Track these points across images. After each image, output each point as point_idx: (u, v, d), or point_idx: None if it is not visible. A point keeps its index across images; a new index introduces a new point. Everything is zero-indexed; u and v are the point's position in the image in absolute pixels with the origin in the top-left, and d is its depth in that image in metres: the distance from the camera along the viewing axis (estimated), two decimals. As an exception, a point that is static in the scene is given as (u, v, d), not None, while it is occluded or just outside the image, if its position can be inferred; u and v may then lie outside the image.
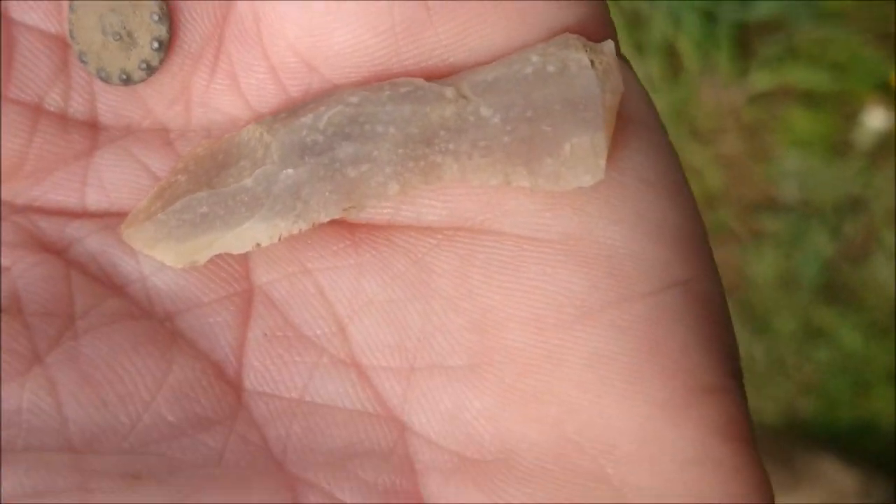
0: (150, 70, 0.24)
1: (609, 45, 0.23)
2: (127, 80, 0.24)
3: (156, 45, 0.24)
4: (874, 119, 0.87)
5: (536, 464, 0.23)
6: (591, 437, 0.23)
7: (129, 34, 0.24)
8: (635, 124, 0.23)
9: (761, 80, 0.91)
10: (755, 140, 0.92)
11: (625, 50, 0.92)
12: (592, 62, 0.22)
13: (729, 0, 0.89)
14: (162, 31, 0.24)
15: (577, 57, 0.22)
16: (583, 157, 0.22)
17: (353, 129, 0.22)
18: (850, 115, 0.90)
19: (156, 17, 0.24)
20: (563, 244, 0.23)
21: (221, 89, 0.25)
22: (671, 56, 0.93)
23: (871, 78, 0.89)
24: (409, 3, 0.23)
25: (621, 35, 0.90)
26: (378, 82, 0.23)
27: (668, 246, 0.23)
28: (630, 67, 0.25)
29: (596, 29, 0.24)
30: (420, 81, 0.23)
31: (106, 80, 0.24)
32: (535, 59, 0.22)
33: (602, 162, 0.22)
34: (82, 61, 0.24)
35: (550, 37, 0.23)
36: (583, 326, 0.22)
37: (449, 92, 0.22)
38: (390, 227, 0.24)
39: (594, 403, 0.22)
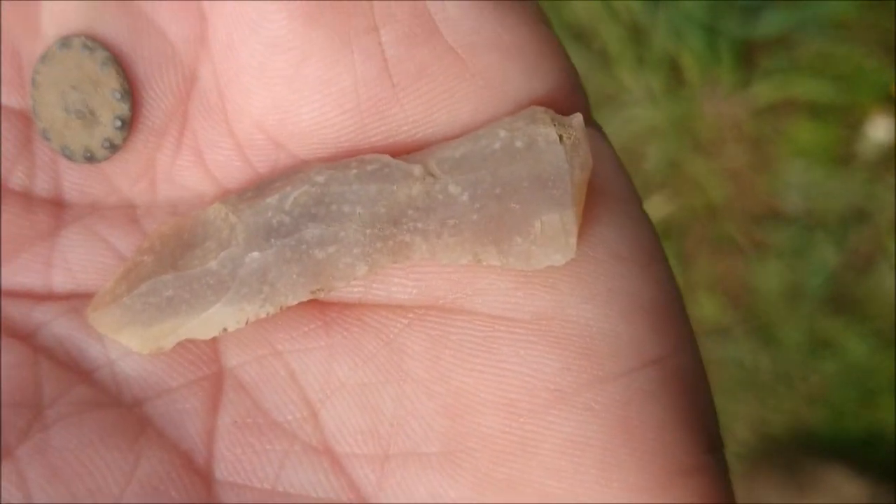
0: (114, 148, 0.24)
1: (577, 118, 0.22)
2: (91, 158, 0.24)
3: (118, 123, 0.24)
4: (878, 130, 0.87)
5: None
6: None
7: (92, 112, 0.24)
8: (607, 196, 0.23)
9: (764, 92, 0.91)
10: (758, 152, 0.91)
11: (626, 62, 0.92)
12: (561, 137, 0.22)
13: (731, 15, 0.88)
14: (124, 109, 0.24)
15: (545, 132, 0.22)
16: (553, 236, 0.22)
17: (320, 210, 0.22)
18: (854, 127, 0.89)
19: (117, 96, 0.24)
20: (536, 324, 0.22)
21: (187, 165, 0.24)
22: (673, 69, 0.92)
23: (874, 89, 0.88)
24: (375, 79, 0.22)
25: (623, 48, 0.89)
26: (345, 159, 0.23)
27: (642, 323, 0.23)
28: (603, 136, 0.24)
29: (565, 99, 0.23)
30: (387, 158, 0.22)
31: (70, 157, 0.24)
32: (502, 134, 0.22)
33: (573, 240, 0.22)
34: (46, 138, 0.24)
35: (518, 109, 0.23)
36: (556, 411, 0.22)
37: (416, 170, 0.22)
38: (361, 305, 0.23)
39: (569, 492, 0.22)
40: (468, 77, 0.22)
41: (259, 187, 0.23)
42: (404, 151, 0.23)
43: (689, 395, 0.23)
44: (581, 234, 0.22)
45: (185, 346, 0.23)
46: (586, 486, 0.22)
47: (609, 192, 0.23)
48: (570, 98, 0.24)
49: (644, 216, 0.24)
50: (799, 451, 0.92)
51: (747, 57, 0.91)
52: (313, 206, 0.22)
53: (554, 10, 0.92)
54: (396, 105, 0.23)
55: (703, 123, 0.92)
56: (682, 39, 0.91)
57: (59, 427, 0.22)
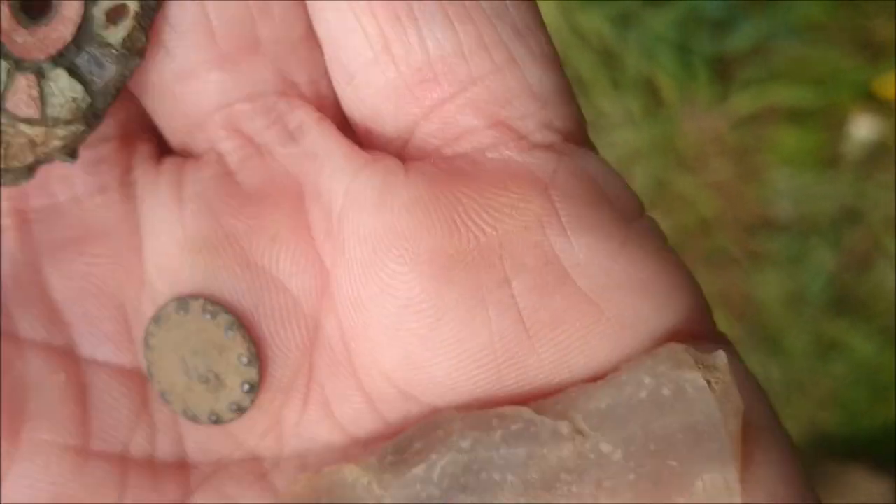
0: (241, 411, 0.23)
1: (721, 357, 0.21)
2: (216, 421, 0.23)
3: (246, 387, 0.23)
4: (861, 129, 0.86)
5: None
6: None
7: (217, 377, 0.23)
8: (756, 430, 0.22)
9: (743, 102, 0.90)
10: (744, 163, 0.91)
11: (601, 87, 0.91)
12: (709, 382, 0.21)
13: (702, 31, 0.87)
14: (252, 373, 0.23)
15: (692, 378, 0.21)
16: (716, 495, 0.20)
17: (469, 479, 0.21)
18: (837, 128, 0.89)
19: (245, 360, 0.23)
20: None
21: (315, 419, 0.23)
22: (649, 90, 0.91)
23: (853, 89, 0.88)
24: (510, 332, 0.22)
25: (596, 73, 0.88)
26: (483, 413, 0.22)
27: None
28: (737, 357, 0.23)
29: (698, 325, 0.22)
30: (529, 414, 0.21)
31: (193, 420, 0.23)
32: (647, 381, 0.21)
33: (737, 498, 0.20)
34: (166, 401, 0.23)
35: (654, 344, 0.22)
36: None
37: (564, 428, 0.21)
38: None
39: None
40: (602, 320, 0.22)
41: (398, 447, 0.22)
42: (540, 397, 0.22)
43: None
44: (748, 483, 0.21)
45: None
46: None
47: (757, 425, 0.22)
48: (701, 323, 0.23)
49: (793, 448, 0.23)
50: (818, 454, 0.92)
51: (722, 70, 0.90)
52: (462, 476, 0.21)
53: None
54: (533, 354, 0.22)
55: (686, 140, 0.91)
56: (655, 60, 0.90)
57: None
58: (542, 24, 0.22)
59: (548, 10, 0.90)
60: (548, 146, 0.22)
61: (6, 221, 0.23)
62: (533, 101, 0.22)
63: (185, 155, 0.24)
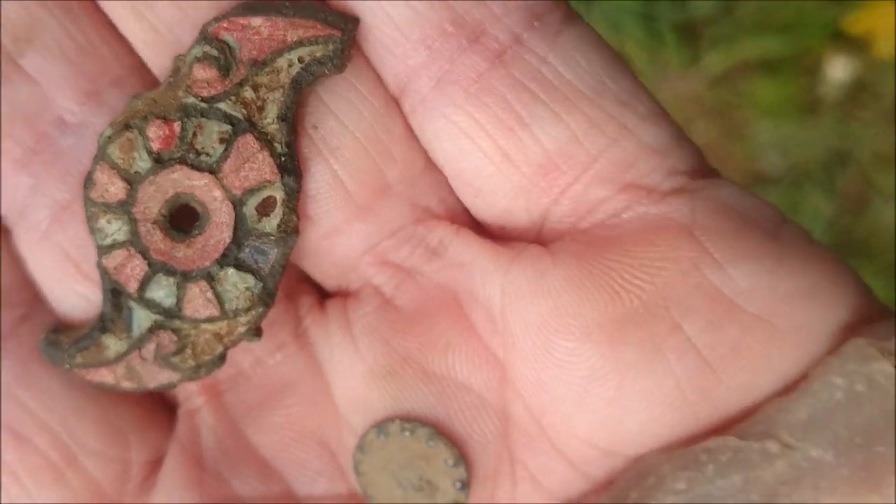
0: None
1: None
2: None
3: (459, 485, 0.24)
4: (836, 70, 0.86)
5: None
6: None
7: (430, 483, 0.24)
8: None
9: (714, 62, 0.89)
10: (725, 121, 0.90)
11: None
12: None
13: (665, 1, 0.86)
14: (461, 472, 0.24)
15: (880, 368, 0.21)
16: None
17: None
18: (812, 72, 0.89)
19: (451, 462, 0.24)
20: None
21: (527, 494, 0.24)
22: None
23: (822, 30, 0.88)
24: (694, 371, 0.22)
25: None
26: (689, 451, 0.22)
27: None
28: None
29: (867, 308, 0.23)
30: (734, 442, 0.22)
31: None
32: (839, 382, 0.22)
33: None
34: None
35: (836, 343, 0.22)
36: None
37: (772, 446, 0.21)
38: None
39: None
40: (779, 335, 0.22)
41: (615, 500, 0.22)
42: (737, 422, 0.23)
43: None
44: None
45: None
46: None
47: None
48: (869, 305, 0.23)
49: None
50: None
51: (689, 32, 0.89)
52: None
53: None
54: (721, 385, 0.23)
55: (665, 106, 0.90)
56: (622, 31, 0.89)
57: None
58: (640, 85, 0.24)
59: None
60: (679, 190, 0.23)
61: (199, 400, 0.25)
62: (653, 156, 0.23)
63: (344, 295, 0.25)
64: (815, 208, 0.90)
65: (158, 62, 0.23)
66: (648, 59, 0.90)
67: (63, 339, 0.24)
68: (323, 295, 0.26)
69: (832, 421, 0.21)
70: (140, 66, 0.23)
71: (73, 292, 0.24)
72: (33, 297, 0.25)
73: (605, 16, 0.89)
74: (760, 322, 0.22)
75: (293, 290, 0.26)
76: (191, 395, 0.25)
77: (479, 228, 0.25)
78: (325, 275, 0.25)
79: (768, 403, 0.22)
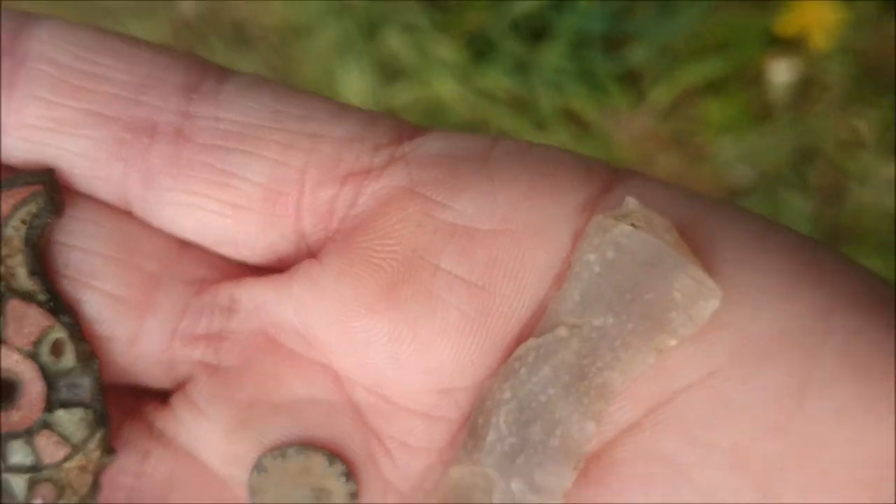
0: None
1: (630, 202, 0.24)
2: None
3: (343, 478, 0.27)
4: (779, 74, 0.88)
5: None
6: None
7: (322, 490, 0.27)
8: (710, 230, 0.25)
9: (660, 96, 0.91)
10: (685, 148, 0.92)
11: (527, 133, 0.92)
12: (633, 224, 0.24)
13: (597, 49, 0.89)
14: (342, 467, 0.27)
15: (619, 231, 0.24)
16: (696, 291, 0.24)
17: (527, 414, 0.24)
18: (757, 81, 0.90)
19: (327, 464, 0.27)
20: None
21: (406, 459, 0.27)
22: (571, 118, 0.92)
23: (757, 40, 0.90)
24: (466, 295, 0.25)
25: (516, 122, 0.89)
26: (505, 367, 0.25)
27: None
28: (650, 182, 0.26)
29: (594, 187, 0.25)
30: (533, 342, 0.24)
31: None
32: (592, 257, 0.24)
33: (710, 282, 0.23)
34: None
35: (579, 226, 0.25)
36: None
37: (562, 331, 0.24)
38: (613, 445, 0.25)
39: None
40: (523, 239, 0.25)
41: (469, 432, 0.25)
42: (531, 327, 0.25)
43: None
44: (714, 274, 0.24)
45: None
46: None
47: (695, 222, 0.25)
48: (597, 184, 0.26)
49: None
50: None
51: (630, 77, 0.92)
52: (521, 416, 0.24)
53: (440, 114, 0.91)
54: (497, 299, 0.25)
55: (625, 149, 0.92)
56: (565, 91, 0.91)
57: None
58: (315, 96, 0.27)
59: (451, 87, 0.92)
60: (390, 160, 0.26)
61: None
62: (353, 144, 0.26)
63: (181, 386, 0.28)
64: (795, 208, 0.91)
65: None
66: (597, 109, 0.92)
67: None
68: (166, 399, 0.28)
69: (600, 291, 0.24)
70: None
71: None
72: None
73: (544, 81, 0.92)
74: (501, 234, 0.25)
75: (134, 408, 0.28)
76: None
77: (259, 271, 0.27)
78: (155, 377, 0.28)
79: (550, 300, 0.25)
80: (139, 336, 0.27)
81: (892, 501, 0.23)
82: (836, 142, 0.90)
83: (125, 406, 0.28)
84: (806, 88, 0.91)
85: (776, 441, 0.24)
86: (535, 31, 0.91)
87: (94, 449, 0.26)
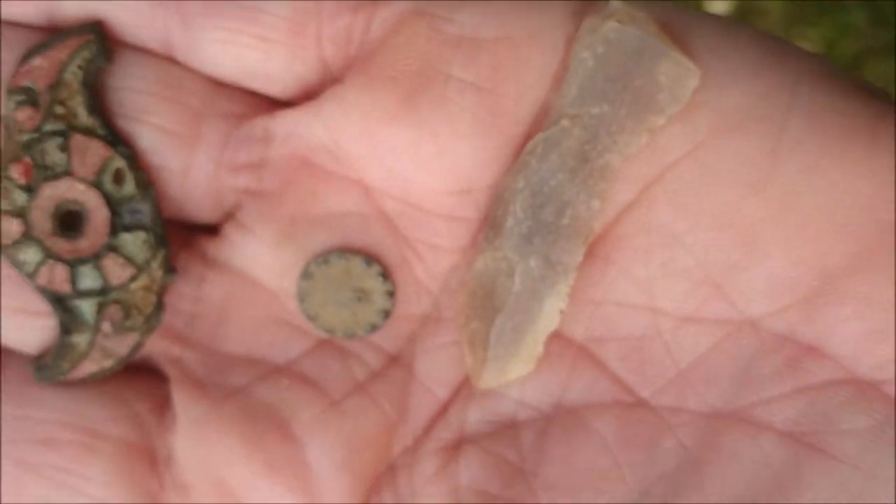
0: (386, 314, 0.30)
1: (614, 3, 0.27)
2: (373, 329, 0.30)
3: (381, 280, 0.30)
4: (717, 6, 0.91)
5: None
6: None
7: (362, 290, 0.30)
8: (687, 25, 0.28)
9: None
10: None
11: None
12: (619, 22, 0.27)
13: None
14: (378, 269, 0.30)
15: (606, 28, 0.27)
16: (678, 73, 0.27)
17: (537, 199, 0.28)
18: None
19: (365, 264, 0.30)
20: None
21: (436, 258, 0.30)
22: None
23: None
24: (476, 96, 0.28)
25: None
26: (517, 160, 0.28)
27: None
28: None
29: None
30: (540, 135, 0.28)
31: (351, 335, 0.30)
32: (585, 53, 0.27)
33: (690, 64, 0.27)
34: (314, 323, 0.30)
35: (571, 32, 0.28)
36: None
37: (565, 122, 0.27)
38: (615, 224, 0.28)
39: None
40: (523, 43, 0.28)
41: (490, 224, 0.28)
42: (538, 124, 0.28)
43: None
44: (689, 56, 0.27)
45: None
46: None
47: (673, 21, 0.28)
48: None
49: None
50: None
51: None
52: (535, 200, 0.28)
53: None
54: (504, 100, 0.28)
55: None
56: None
57: None
58: None
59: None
60: None
61: (174, 349, 0.30)
62: None
63: (230, 216, 0.31)
64: None
65: None
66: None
67: (45, 360, 0.30)
68: (215, 232, 0.31)
69: (595, 82, 0.27)
70: None
71: (34, 331, 0.30)
72: None
73: None
74: (502, 41, 0.28)
75: (187, 240, 0.31)
76: (166, 350, 0.30)
77: (287, 105, 0.30)
78: (206, 209, 0.30)
79: (552, 98, 0.28)
80: (190, 166, 0.30)
81: (870, 243, 0.26)
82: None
83: (179, 239, 0.30)
84: (747, 16, 0.93)
85: (756, 199, 0.26)
86: None
87: (157, 268, 0.29)
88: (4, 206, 0.29)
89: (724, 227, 0.27)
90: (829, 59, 0.29)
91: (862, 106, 0.27)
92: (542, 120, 0.28)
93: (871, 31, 0.91)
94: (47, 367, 0.29)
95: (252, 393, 0.30)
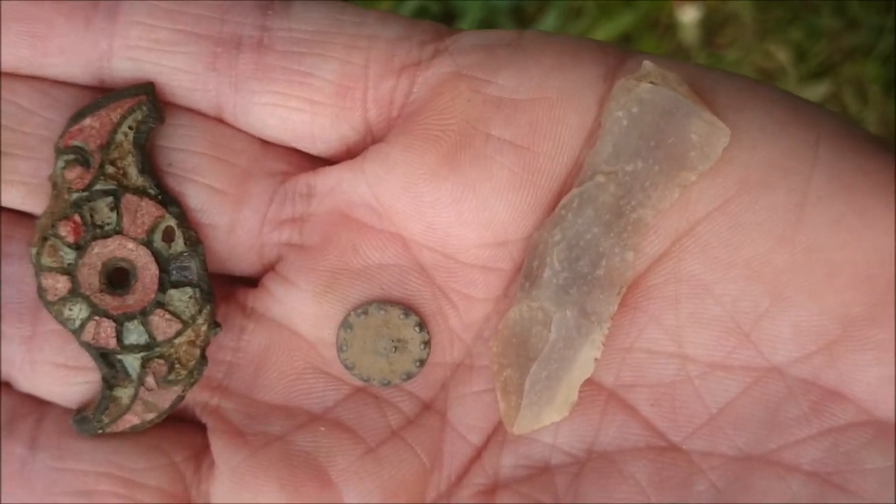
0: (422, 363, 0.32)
1: (647, 64, 0.30)
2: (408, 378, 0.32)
3: (417, 329, 0.32)
4: (686, 14, 0.92)
5: None
6: None
7: (400, 340, 0.31)
8: (719, 85, 0.30)
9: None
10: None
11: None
12: (652, 83, 0.29)
13: (512, 27, 0.92)
14: (415, 319, 0.31)
15: (640, 89, 0.29)
16: (709, 132, 0.29)
17: (573, 252, 0.30)
18: (670, 25, 0.94)
19: (403, 316, 0.31)
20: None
21: (468, 308, 0.32)
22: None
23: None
24: (513, 155, 0.30)
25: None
26: (548, 220, 0.30)
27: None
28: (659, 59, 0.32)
29: (617, 59, 0.31)
30: (576, 191, 0.30)
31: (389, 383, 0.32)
32: (620, 113, 0.29)
33: (720, 124, 0.29)
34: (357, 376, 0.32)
35: (604, 92, 0.30)
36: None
37: (600, 178, 0.29)
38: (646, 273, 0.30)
39: None
40: (557, 104, 0.30)
41: (524, 274, 0.30)
42: (570, 182, 0.30)
43: None
44: (720, 118, 0.29)
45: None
46: None
47: (703, 77, 0.31)
48: (619, 56, 0.31)
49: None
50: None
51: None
52: (569, 252, 0.30)
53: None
54: (539, 157, 0.30)
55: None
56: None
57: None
58: (362, 9, 0.32)
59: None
60: (436, 52, 0.32)
61: (213, 399, 0.32)
62: (402, 42, 0.32)
63: (267, 271, 0.33)
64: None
65: None
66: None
67: (86, 413, 0.31)
68: (256, 284, 0.33)
69: (629, 140, 0.29)
70: None
71: (76, 386, 0.31)
72: (38, 406, 0.32)
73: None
74: (539, 102, 0.30)
75: (229, 293, 0.33)
76: (205, 401, 0.32)
77: (329, 162, 0.32)
78: (249, 263, 0.32)
79: (585, 155, 0.30)
80: (236, 223, 0.31)
81: (890, 294, 0.28)
82: (757, 71, 0.94)
83: (221, 292, 0.32)
84: (719, 27, 0.95)
85: (783, 251, 0.29)
86: (444, 15, 0.94)
87: (202, 323, 0.31)
88: (52, 264, 0.30)
89: (753, 277, 0.29)
90: (842, 117, 0.31)
91: (880, 162, 0.29)
92: (574, 176, 0.30)
93: (843, 34, 0.93)
94: (88, 420, 0.31)
95: (290, 441, 0.31)
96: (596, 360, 0.30)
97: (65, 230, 0.30)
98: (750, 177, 0.29)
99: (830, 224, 0.28)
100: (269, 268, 0.32)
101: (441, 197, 0.30)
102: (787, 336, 0.28)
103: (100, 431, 0.31)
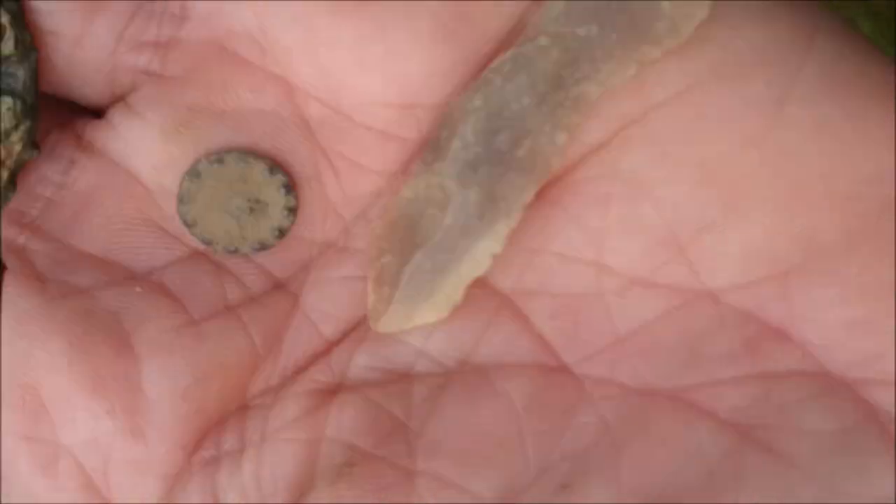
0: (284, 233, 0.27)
1: None
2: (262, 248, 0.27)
3: (283, 190, 0.27)
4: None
5: None
6: None
7: (258, 201, 0.26)
8: None
9: None
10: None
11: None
12: None
13: None
14: (282, 178, 0.26)
15: None
16: (684, 2, 0.24)
17: (493, 123, 0.25)
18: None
19: (268, 172, 0.26)
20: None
21: (354, 179, 0.26)
22: None
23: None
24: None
25: None
26: (477, 79, 0.25)
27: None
28: None
29: None
30: (511, 51, 0.25)
31: (235, 254, 0.27)
32: None
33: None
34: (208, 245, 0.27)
35: None
36: None
37: (544, 40, 0.25)
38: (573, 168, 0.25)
39: None
40: None
41: (430, 146, 0.25)
42: (506, 43, 0.25)
43: None
44: None
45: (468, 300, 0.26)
46: None
47: None
48: None
49: None
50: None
51: None
52: (489, 122, 0.25)
53: None
54: (473, 8, 0.25)
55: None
56: None
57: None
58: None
59: None
60: None
61: (21, 237, 0.27)
62: None
63: (120, 99, 0.27)
64: None
65: None
66: None
67: None
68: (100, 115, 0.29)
69: (586, 2, 0.25)
70: None
71: None
72: None
73: None
74: None
75: (65, 121, 0.28)
76: (11, 238, 0.27)
77: None
78: (95, 88, 0.27)
79: (528, 14, 0.25)
80: (85, 35, 0.27)
81: (874, 220, 0.24)
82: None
83: (56, 117, 0.28)
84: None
85: (750, 153, 0.24)
86: None
87: (16, 141, 0.27)
88: None
89: (705, 182, 0.24)
90: (843, 19, 0.26)
91: (882, 67, 0.25)
92: (514, 39, 0.25)
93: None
94: None
95: (94, 296, 0.27)
96: (494, 256, 0.25)
97: None
98: (726, 62, 0.24)
99: (813, 127, 0.24)
100: (119, 98, 0.27)
101: (341, 35, 0.25)
102: (733, 257, 0.24)
103: None
